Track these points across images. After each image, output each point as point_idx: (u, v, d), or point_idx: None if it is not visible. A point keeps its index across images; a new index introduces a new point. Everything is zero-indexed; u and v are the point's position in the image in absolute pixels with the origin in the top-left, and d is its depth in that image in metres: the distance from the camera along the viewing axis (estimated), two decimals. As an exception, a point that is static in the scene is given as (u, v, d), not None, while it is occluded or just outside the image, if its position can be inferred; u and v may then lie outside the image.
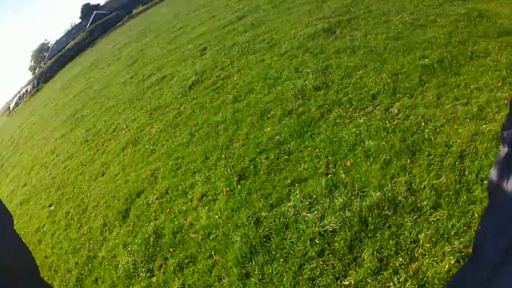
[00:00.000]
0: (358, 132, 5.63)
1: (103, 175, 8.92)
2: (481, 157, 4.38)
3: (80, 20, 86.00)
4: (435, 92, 5.89)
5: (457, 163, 4.43)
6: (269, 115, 7.19)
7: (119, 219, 6.72)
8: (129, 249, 5.74)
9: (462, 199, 3.94)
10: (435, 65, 6.60)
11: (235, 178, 5.75)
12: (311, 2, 13.80)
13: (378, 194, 4.39)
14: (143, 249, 5.48)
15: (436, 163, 4.55)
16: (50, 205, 9.25)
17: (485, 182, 4.00)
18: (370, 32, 9.20)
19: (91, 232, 6.91)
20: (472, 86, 5.70)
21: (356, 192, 4.56)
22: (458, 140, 4.77)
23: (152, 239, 5.58)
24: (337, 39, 9.54)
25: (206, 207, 5.55)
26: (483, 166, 4.24)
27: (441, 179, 4.29)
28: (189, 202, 5.91)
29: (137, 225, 6.21)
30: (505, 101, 5.15)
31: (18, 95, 56.40)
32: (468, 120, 5.05)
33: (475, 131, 4.80)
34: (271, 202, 4.97)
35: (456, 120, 5.15)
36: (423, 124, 5.32)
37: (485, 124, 4.88)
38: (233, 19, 16.47)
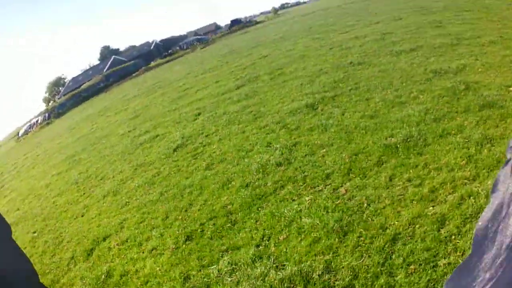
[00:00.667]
0: (299, 209, 5.96)
1: (82, 216, 9.86)
2: (416, 241, 4.45)
3: (98, 62, 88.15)
4: (390, 173, 6.03)
5: (386, 246, 4.55)
6: (229, 185, 7.79)
7: (84, 255, 7.65)
8: (84, 281, 6.65)
9: (379, 283, 4.08)
10: (399, 145, 6.76)
11: (183, 238, 6.50)
12: (305, 77, 14.38)
13: (294, 268, 4.70)
14: (94, 284, 6.39)
15: (365, 244, 4.71)
16: (34, 232, 10.29)
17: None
18: (348, 109, 9.53)
19: (60, 262, 7.86)
20: (431, 166, 5.81)
21: (276, 264, 4.97)
22: (396, 222, 4.87)
23: (103, 277, 6.46)
24: (316, 115, 9.91)
25: (153, 259, 6.33)
26: (414, 250, 4.31)
27: (362, 260, 4.46)
28: (141, 253, 6.72)
29: (96, 263, 7.11)
30: (465, 180, 5.18)
31: (29, 123, 57.71)
32: (415, 202, 5.11)
33: (418, 213, 4.87)
34: (203, 263, 5.62)
35: (402, 202, 5.24)
36: (365, 205, 5.47)
37: (432, 206, 4.93)
38: (232, 87, 17.33)
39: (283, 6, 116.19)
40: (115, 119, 23.20)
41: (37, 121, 55.69)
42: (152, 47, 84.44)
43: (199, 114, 14.89)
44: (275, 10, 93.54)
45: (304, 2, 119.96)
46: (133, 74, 58.87)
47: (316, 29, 29.50)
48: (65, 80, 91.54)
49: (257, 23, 78.44)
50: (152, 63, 64.23)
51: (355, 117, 8.85)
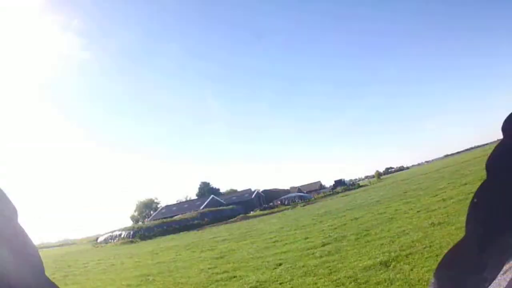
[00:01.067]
0: None
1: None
2: None
3: (195, 198, 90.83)
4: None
5: None
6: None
7: None
8: None
9: None
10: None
11: None
12: (387, 237, 14.69)
13: None
14: None
15: None
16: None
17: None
18: (418, 265, 9.76)
19: None
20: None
21: None
22: None
23: None
24: (387, 271, 10.11)
25: None
26: None
27: None
28: None
29: None
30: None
31: (111, 234, 59.76)
32: None
33: None
34: None
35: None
36: None
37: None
38: (318, 244, 17.47)
39: (387, 171, 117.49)
40: (200, 255, 23.54)
41: (120, 234, 57.62)
42: (253, 196, 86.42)
43: (280, 264, 14.87)
44: (378, 174, 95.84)
45: (407, 168, 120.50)
46: (230, 220, 59.56)
47: (410, 193, 31.02)
48: (158, 206, 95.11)
49: (360, 186, 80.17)
50: (251, 213, 65.24)
51: (422, 272, 9.17)
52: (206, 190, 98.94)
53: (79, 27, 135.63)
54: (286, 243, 20.64)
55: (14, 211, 1.92)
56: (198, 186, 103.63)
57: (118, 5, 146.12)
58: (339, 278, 10.60)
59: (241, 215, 62.56)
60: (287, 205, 69.57)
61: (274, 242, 22.48)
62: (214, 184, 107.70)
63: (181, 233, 52.63)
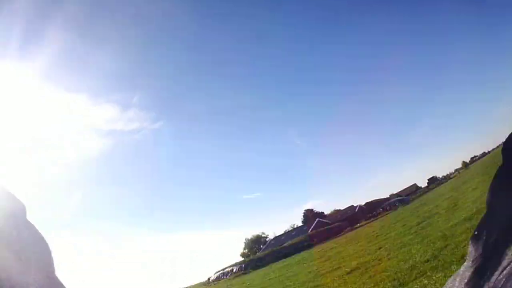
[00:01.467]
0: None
1: None
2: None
3: (301, 224, 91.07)
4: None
5: None
6: None
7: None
8: None
9: None
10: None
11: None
12: (472, 201, 15.96)
13: None
14: None
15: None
16: None
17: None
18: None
19: None
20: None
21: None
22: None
23: None
24: (470, 222, 11.55)
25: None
26: None
27: None
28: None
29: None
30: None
31: (222, 271, 61.31)
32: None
33: None
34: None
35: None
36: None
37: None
38: (413, 225, 19.26)
39: (472, 160, 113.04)
40: (309, 265, 24.67)
41: (232, 270, 58.90)
42: (356, 210, 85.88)
43: (380, 248, 16.46)
44: (465, 164, 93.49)
45: (489, 152, 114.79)
46: (338, 235, 59.58)
47: (490, 168, 30.90)
48: (266, 239, 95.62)
49: (450, 178, 78.59)
50: (357, 225, 65.19)
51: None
52: (311, 216, 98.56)
53: (140, 103, 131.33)
54: (386, 234, 22.30)
55: (21, 208, 2.10)
56: (302, 214, 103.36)
57: (179, 75, 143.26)
58: (430, 239, 11.99)
59: (347, 229, 62.64)
60: (389, 210, 69.21)
61: (376, 236, 23.96)
62: (318, 209, 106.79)
63: (292, 256, 53.39)
